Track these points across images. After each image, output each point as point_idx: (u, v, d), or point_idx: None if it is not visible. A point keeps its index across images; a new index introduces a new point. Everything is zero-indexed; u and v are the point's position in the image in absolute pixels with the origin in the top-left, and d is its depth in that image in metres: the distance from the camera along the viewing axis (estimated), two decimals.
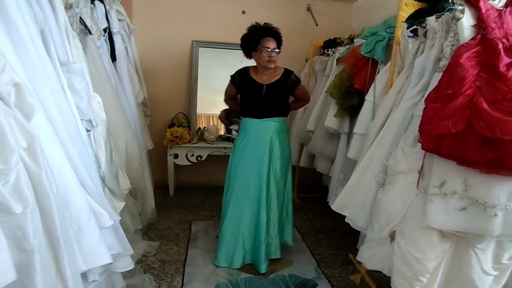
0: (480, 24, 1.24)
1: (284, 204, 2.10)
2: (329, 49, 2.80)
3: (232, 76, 2.06)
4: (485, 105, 1.11)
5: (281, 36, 1.98)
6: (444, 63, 1.34)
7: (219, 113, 3.10)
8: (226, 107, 2.57)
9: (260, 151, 1.97)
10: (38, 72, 0.95)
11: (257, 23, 1.95)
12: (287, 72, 2.00)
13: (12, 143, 0.75)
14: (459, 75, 1.18)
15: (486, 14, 1.23)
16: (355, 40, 2.44)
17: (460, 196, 1.22)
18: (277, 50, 1.92)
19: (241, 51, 2.03)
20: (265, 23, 1.95)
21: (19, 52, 0.89)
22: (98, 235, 1.05)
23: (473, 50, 1.19)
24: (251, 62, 2.06)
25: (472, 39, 1.24)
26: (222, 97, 2.25)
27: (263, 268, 1.96)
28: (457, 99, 1.16)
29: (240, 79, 2.02)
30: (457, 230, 1.25)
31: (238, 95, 2.12)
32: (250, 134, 2.01)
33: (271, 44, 1.90)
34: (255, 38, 1.93)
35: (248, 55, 2.00)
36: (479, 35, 1.23)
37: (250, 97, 2.02)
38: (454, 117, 1.15)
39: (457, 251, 1.33)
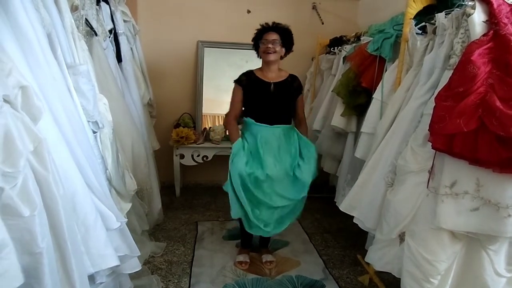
0: (492, 19, 1.21)
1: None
2: (335, 48, 2.77)
3: (237, 79, 1.98)
4: (498, 103, 1.08)
5: (289, 34, 1.92)
6: (454, 60, 1.31)
7: (224, 113, 3.09)
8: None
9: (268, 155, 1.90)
10: (45, 76, 0.95)
11: (266, 23, 1.93)
12: (293, 76, 1.99)
13: (20, 146, 0.75)
14: (470, 72, 1.15)
15: (498, 9, 1.20)
16: (361, 38, 2.41)
17: (472, 196, 1.19)
18: (276, 41, 1.86)
19: (246, 51, 2.02)
20: (273, 22, 1.92)
21: (27, 56, 0.90)
22: (105, 237, 1.05)
23: (485, 47, 1.16)
24: (257, 61, 2.04)
25: (483, 35, 1.20)
26: (228, 97, 2.20)
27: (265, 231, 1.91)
28: (469, 97, 1.13)
29: (246, 79, 1.95)
30: (469, 231, 1.22)
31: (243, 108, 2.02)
32: (258, 138, 1.91)
33: (270, 36, 1.87)
34: (259, 35, 1.92)
35: (258, 55, 1.99)
36: (491, 31, 1.19)
37: (258, 97, 1.94)
38: (466, 115, 1.12)
39: (469, 252, 1.30)
